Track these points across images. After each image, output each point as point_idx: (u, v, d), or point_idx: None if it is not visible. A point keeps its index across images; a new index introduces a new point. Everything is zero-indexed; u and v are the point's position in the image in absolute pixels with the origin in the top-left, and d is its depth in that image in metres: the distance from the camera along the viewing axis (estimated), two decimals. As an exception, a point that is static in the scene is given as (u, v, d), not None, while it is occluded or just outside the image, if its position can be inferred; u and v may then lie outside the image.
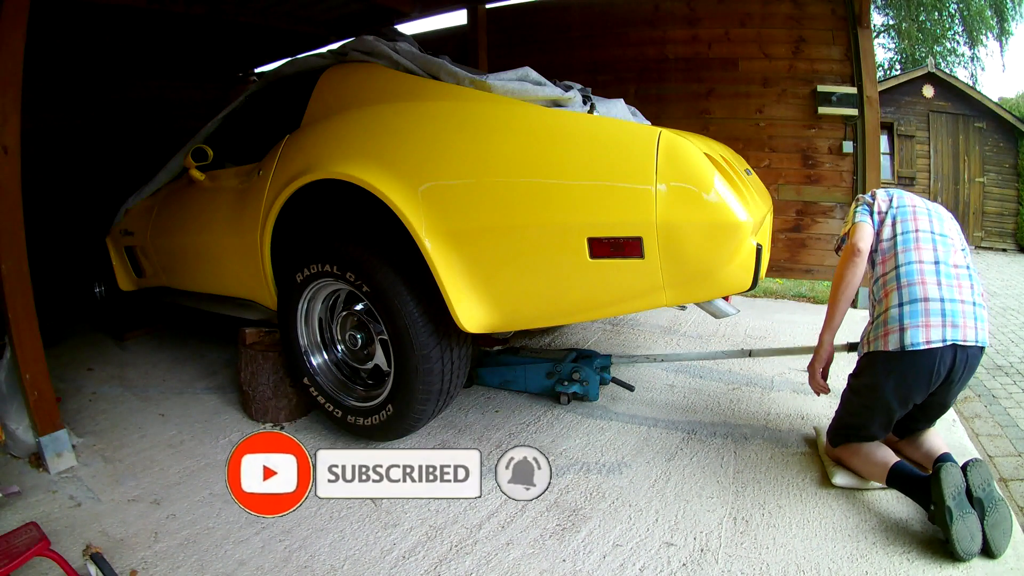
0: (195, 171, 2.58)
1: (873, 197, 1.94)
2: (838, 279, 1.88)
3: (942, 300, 1.69)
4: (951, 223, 1.88)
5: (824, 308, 1.99)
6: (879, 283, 1.82)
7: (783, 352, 2.38)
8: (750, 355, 2.38)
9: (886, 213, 1.88)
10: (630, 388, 2.51)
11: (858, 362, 1.85)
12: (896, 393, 1.71)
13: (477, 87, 1.89)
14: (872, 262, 1.88)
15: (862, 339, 1.85)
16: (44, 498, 1.93)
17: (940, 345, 1.64)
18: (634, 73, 4.41)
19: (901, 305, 1.71)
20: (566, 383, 2.42)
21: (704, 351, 2.70)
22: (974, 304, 1.71)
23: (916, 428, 1.89)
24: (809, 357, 2.03)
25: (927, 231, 1.82)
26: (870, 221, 1.88)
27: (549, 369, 2.48)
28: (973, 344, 1.66)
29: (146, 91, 5.64)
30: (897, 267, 1.78)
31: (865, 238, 1.84)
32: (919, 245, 1.79)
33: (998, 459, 2.30)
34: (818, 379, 1.99)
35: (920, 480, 1.65)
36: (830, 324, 1.92)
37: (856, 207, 1.95)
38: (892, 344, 1.69)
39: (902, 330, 1.68)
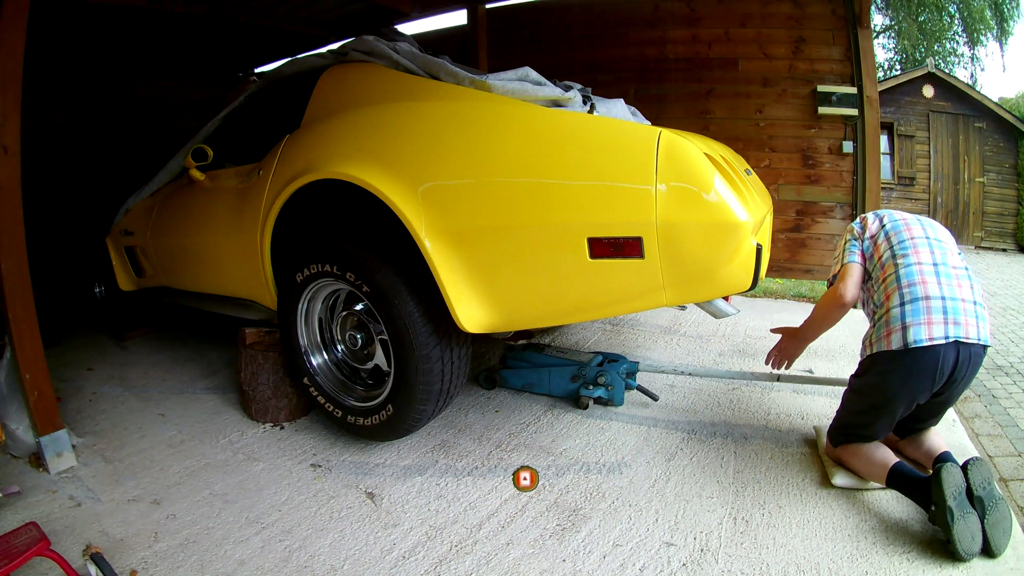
0: (195, 171, 2.58)
1: (863, 224, 1.99)
2: (820, 317, 1.98)
3: (943, 298, 1.69)
4: (944, 232, 1.92)
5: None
6: (880, 288, 1.83)
7: (811, 381, 2.42)
8: (778, 380, 2.39)
9: (878, 233, 1.93)
10: (654, 397, 2.45)
11: (860, 363, 1.85)
12: (901, 392, 1.71)
13: (477, 87, 1.89)
14: (868, 276, 1.91)
15: (864, 343, 1.85)
16: (44, 498, 1.93)
17: (943, 342, 1.64)
18: (634, 73, 4.41)
19: (903, 304, 1.72)
20: (591, 387, 2.40)
21: (733, 371, 2.65)
22: (975, 303, 1.72)
23: (917, 428, 1.89)
24: (838, 389, 2.14)
25: (922, 237, 1.86)
26: (860, 259, 1.93)
27: (575, 372, 2.45)
28: (976, 342, 1.66)
29: (146, 91, 5.65)
30: (896, 270, 1.79)
31: (852, 287, 1.89)
32: (916, 249, 1.82)
33: (998, 459, 2.30)
34: (784, 359, 2.11)
35: (920, 481, 1.64)
36: (806, 337, 2.05)
37: (846, 243, 1.99)
38: (895, 343, 1.69)
39: (904, 328, 1.68)
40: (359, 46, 2.22)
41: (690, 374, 2.52)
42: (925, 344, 1.65)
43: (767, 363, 2.17)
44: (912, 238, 1.85)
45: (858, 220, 2.03)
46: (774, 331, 2.21)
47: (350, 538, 1.72)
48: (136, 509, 1.87)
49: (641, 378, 2.54)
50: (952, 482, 1.55)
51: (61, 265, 3.84)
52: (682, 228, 1.55)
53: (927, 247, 1.82)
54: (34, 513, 1.83)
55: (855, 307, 1.94)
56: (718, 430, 2.27)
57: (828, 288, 2.01)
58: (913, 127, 10.25)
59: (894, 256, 1.83)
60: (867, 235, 1.95)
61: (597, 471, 2.02)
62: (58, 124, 4.95)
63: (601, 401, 2.45)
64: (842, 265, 1.94)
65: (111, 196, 3.55)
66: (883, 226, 1.93)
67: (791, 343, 2.11)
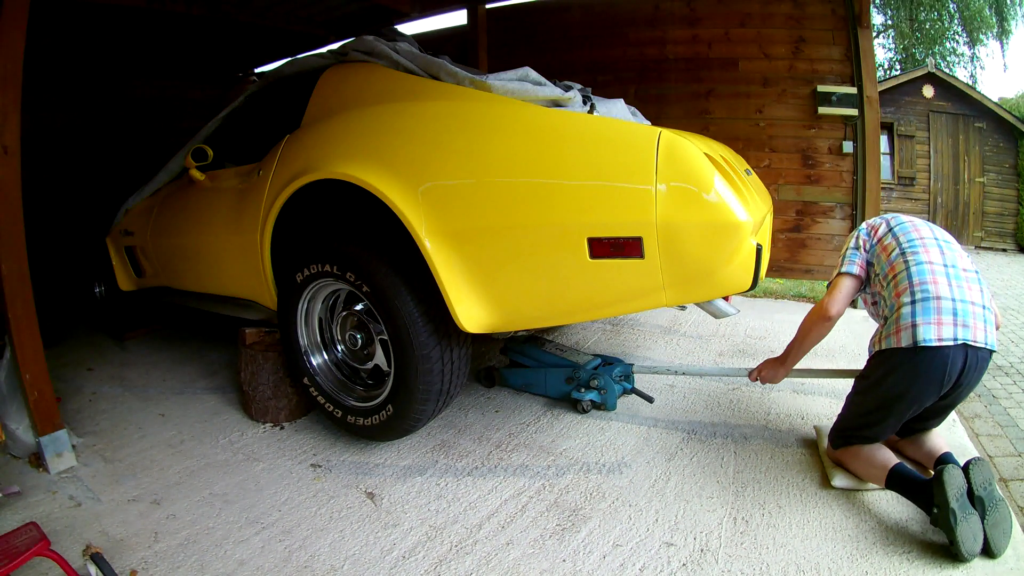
0: (195, 171, 2.58)
1: (870, 231, 1.99)
2: (804, 333, 1.99)
3: (953, 300, 1.69)
4: (949, 236, 1.93)
5: None
6: (890, 286, 1.82)
7: (818, 374, 2.27)
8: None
9: (885, 235, 1.93)
10: (650, 400, 2.44)
11: (868, 362, 1.84)
12: (908, 391, 1.70)
13: (477, 87, 1.89)
14: (873, 276, 1.91)
15: (871, 341, 1.85)
16: (44, 498, 1.93)
17: (951, 344, 1.63)
18: (634, 73, 4.41)
19: (913, 303, 1.71)
20: (583, 390, 2.39)
21: (730, 368, 2.58)
22: (983, 307, 1.71)
23: (918, 428, 1.89)
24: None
25: (931, 238, 1.86)
26: (857, 270, 1.93)
27: (569, 374, 2.44)
28: (983, 346, 1.66)
29: (146, 91, 5.65)
30: (907, 268, 1.79)
31: (839, 302, 1.90)
32: (927, 249, 1.81)
33: (998, 459, 2.30)
34: (767, 376, 2.13)
35: (921, 483, 1.64)
36: (788, 360, 2.09)
37: (847, 250, 1.98)
38: (905, 340, 1.68)
39: (914, 326, 1.67)
40: (359, 46, 2.22)
41: (683, 373, 2.49)
42: (934, 344, 1.63)
43: (751, 379, 2.20)
44: (921, 238, 1.85)
45: (865, 226, 2.02)
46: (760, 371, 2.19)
47: (350, 538, 1.72)
48: (136, 509, 1.87)
49: (638, 380, 2.53)
50: (954, 484, 1.55)
51: (61, 265, 3.84)
52: (682, 228, 1.55)
53: (937, 247, 1.82)
54: (34, 513, 1.83)
55: (853, 305, 1.93)
56: (718, 430, 2.27)
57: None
58: (913, 127, 10.25)
59: (904, 254, 1.82)
60: (874, 239, 1.94)
61: (597, 471, 2.02)
62: (59, 124, 4.96)
63: (595, 405, 2.42)
64: (837, 275, 1.95)
65: (111, 196, 3.55)
66: (891, 228, 1.93)
67: (772, 367, 2.14)
